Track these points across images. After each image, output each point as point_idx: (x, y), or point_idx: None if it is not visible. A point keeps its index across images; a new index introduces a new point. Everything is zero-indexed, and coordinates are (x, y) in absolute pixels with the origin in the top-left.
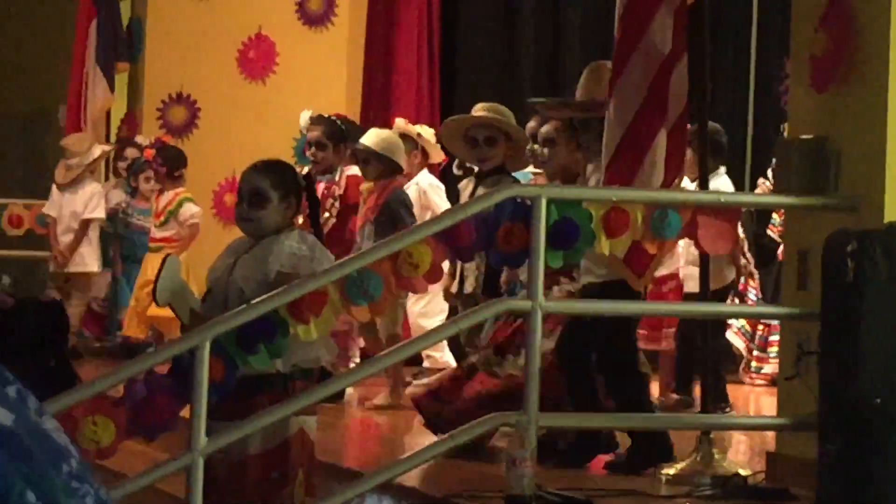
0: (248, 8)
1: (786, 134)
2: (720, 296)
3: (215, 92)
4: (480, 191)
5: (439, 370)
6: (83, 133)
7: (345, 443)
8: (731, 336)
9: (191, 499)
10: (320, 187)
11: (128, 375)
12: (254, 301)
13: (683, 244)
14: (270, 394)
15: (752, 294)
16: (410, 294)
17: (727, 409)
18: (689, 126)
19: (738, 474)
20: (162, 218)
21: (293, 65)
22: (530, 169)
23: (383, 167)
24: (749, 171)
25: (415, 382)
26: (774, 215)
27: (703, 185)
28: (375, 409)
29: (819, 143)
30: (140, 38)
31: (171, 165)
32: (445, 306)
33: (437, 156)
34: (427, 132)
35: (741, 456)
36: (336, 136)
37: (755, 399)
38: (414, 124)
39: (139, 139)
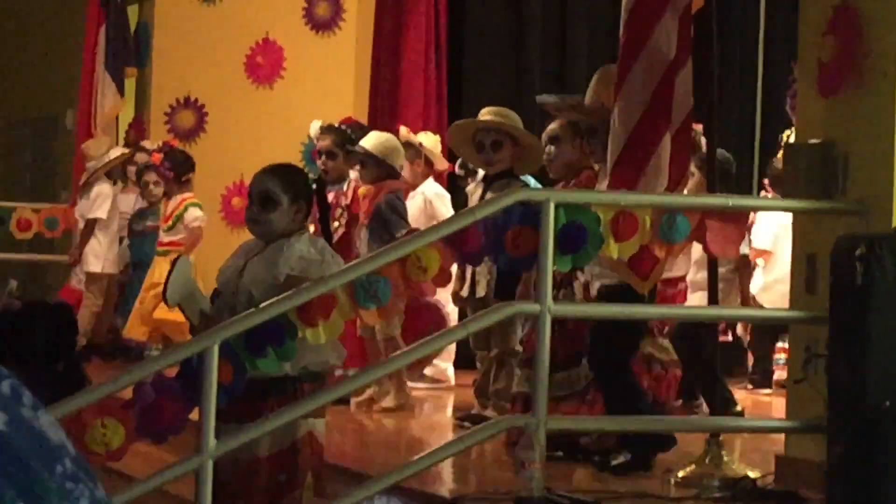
0: (256, 13)
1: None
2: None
3: (223, 97)
4: (489, 195)
5: (440, 381)
6: (101, 137)
7: (352, 445)
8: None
9: (200, 502)
10: (330, 196)
11: (137, 378)
12: (263, 304)
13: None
14: (279, 397)
15: None
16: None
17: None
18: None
19: (747, 477)
20: (169, 222)
21: (300, 70)
22: None
23: (380, 170)
24: (756, 176)
25: (410, 384)
26: None
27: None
28: (383, 412)
29: (827, 148)
30: (148, 43)
31: (178, 170)
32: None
33: (441, 164)
34: (431, 140)
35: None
36: (346, 145)
37: (764, 402)
38: (422, 129)
39: (145, 144)
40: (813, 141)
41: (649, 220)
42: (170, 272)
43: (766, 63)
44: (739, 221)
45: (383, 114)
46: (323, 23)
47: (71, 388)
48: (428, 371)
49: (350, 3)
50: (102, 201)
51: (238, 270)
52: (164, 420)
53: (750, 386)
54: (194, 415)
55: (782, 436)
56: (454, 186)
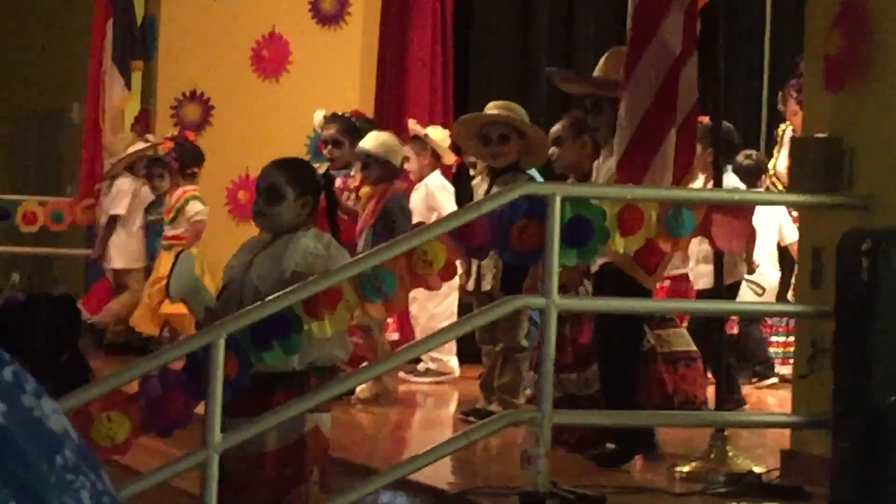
0: (262, 7)
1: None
2: (732, 291)
3: (229, 90)
4: (495, 189)
5: (444, 373)
6: (124, 133)
7: (356, 439)
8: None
9: (205, 496)
10: (337, 182)
11: (143, 372)
12: (268, 298)
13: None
14: (286, 391)
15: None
16: (422, 293)
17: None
18: (699, 121)
19: (752, 472)
20: (171, 215)
21: (306, 63)
22: None
23: (382, 170)
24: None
25: (414, 378)
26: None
27: (718, 184)
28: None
29: (833, 143)
30: (154, 36)
31: (184, 162)
32: (455, 309)
33: (449, 157)
34: (439, 134)
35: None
36: (351, 133)
37: (770, 396)
38: (428, 123)
39: (150, 137)
40: (819, 135)
41: (655, 215)
42: (173, 266)
43: (773, 56)
44: (745, 215)
45: (389, 107)
46: (329, 16)
47: (74, 380)
48: (433, 365)
49: None
50: (122, 197)
51: (244, 266)
52: (170, 414)
53: (755, 379)
54: (200, 409)
55: (787, 431)
56: (464, 182)
